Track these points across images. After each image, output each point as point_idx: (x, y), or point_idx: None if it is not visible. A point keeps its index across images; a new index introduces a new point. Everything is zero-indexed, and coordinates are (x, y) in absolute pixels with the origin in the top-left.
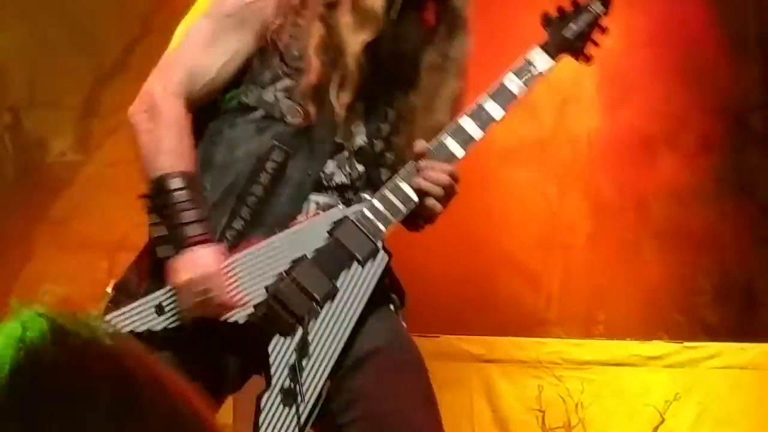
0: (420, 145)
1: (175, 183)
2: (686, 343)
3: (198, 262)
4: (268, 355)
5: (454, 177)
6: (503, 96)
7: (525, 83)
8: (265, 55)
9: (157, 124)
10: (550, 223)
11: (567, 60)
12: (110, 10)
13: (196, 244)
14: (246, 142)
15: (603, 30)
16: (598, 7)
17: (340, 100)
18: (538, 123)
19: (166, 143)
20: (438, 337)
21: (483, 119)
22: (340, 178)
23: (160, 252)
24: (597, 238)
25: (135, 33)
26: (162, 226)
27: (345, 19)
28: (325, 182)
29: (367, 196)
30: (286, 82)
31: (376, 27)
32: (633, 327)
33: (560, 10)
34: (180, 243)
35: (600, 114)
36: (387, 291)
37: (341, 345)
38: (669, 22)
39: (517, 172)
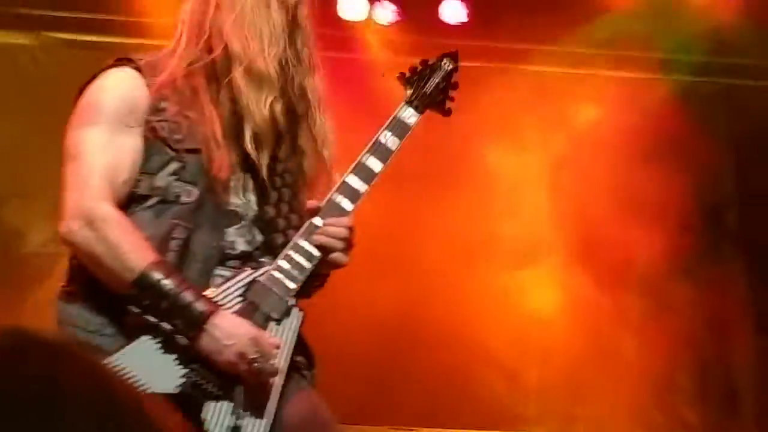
0: (312, 203)
1: (157, 274)
2: None
3: (233, 330)
4: (201, 423)
5: (350, 229)
6: (381, 151)
7: (399, 138)
8: (150, 144)
9: (105, 230)
10: (527, 317)
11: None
12: None
13: (212, 314)
14: (147, 227)
15: (455, 86)
16: (448, 65)
17: (263, 160)
18: (516, 220)
19: (125, 243)
20: (413, 430)
21: (366, 175)
22: (242, 247)
23: (181, 341)
24: (574, 332)
25: None
26: (164, 321)
27: (242, 85)
28: (229, 251)
29: (266, 261)
30: (174, 165)
31: (272, 88)
32: (612, 425)
33: (413, 69)
34: (198, 322)
35: (574, 208)
36: (300, 366)
37: (270, 418)
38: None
39: (495, 268)
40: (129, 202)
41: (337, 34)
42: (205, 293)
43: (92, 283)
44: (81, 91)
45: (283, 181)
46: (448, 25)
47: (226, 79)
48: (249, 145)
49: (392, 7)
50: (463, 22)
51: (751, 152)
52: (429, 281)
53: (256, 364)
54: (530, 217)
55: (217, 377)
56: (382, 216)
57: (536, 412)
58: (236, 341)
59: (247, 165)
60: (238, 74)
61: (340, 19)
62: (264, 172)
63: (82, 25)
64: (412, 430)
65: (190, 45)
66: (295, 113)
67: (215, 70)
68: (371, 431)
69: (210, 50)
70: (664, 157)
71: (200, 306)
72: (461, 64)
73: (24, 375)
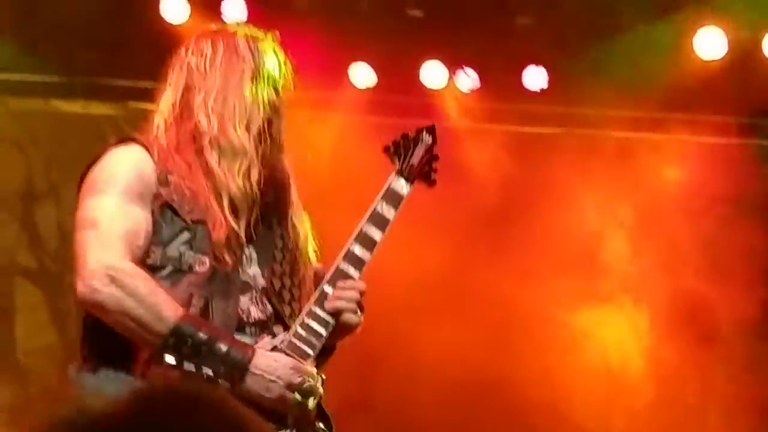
0: (318, 267)
1: (191, 325)
2: None
3: (274, 365)
4: None
5: (362, 293)
6: (380, 221)
7: (394, 208)
8: (161, 215)
9: (133, 285)
10: (612, 386)
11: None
12: None
13: (253, 355)
14: None
15: (436, 158)
16: (428, 138)
17: (241, 227)
18: (596, 282)
19: (156, 296)
20: None
21: (367, 243)
22: (257, 315)
23: (223, 385)
24: (660, 402)
25: None
26: (204, 367)
27: (212, 158)
28: (244, 318)
29: (280, 330)
30: (185, 235)
31: (244, 156)
32: None
33: (396, 143)
34: (241, 367)
35: (657, 271)
36: (322, 428)
37: None
38: None
39: (577, 334)
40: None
41: (419, 101)
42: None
43: (113, 356)
44: (88, 168)
45: (283, 255)
46: (530, 91)
47: (204, 155)
48: (227, 213)
49: (474, 75)
50: (543, 89)
51: None
52: (510, 342)
53: (305, 385)
54: (611, 279)
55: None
56: (460, 272)
57: None
58: (280, 374)
59: (251, 238)
60: (207, 148)
61: (422, 86)
62: (266, 246)
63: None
64: None
65: (170, 130)
66: (277, 185)
67: (199, 144)
68: None
69: (188, 129)
70: (746, 219)
71: (239, 351)
72: (537, 129)
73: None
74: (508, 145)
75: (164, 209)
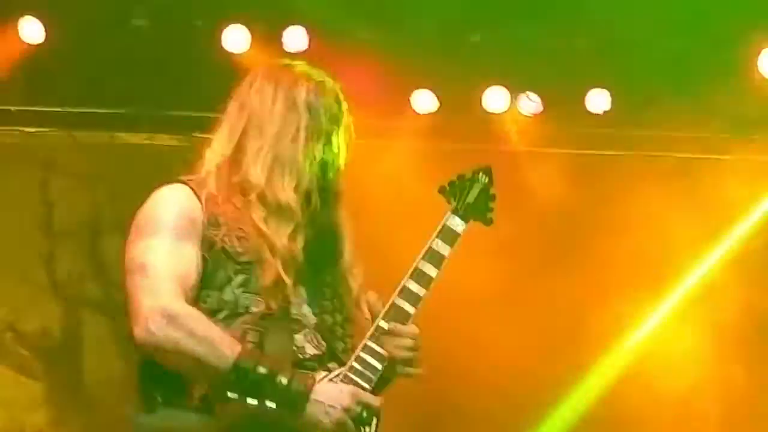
0: (372, 296)
1: (250, 360)
2: None
3: (334, 394)
4: None
5: (415, 338)
6: (435, 258)
7: (450, 245)
8: (213, 259)
9: (190, 325)
10: (682, 411)
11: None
12: None
13: (313, 385)
14: None
15: (493, 198)
16: (484, 178)
17: (287, 281)
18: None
19: (213, 334)
20: None
21: (423, 280)
22: (312, 351)
23: (287, 420)
24: (731, 425)
25: None
26: (265, 401)
27: (258, 214)
28: (299, 355)
29: (335, 367)
30: (240, 278)
31: (292, 218)
32: None
33: (452, 183)
34: (303, 397)
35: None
36: None
37: None
38: None
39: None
40: None
41: (481, 126)
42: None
43: (173, 393)
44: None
45: (333, 293)
46: (592, 114)
47: (250, 201)
48: (273, 270)
49: (537, 99)
50: (606, 111)
51: None
52: (575, 359)
53: (365, 415)
54: (678, 298)
55: None
56: (524, 291)
57: None
58: (340, 401)
59: (300, 277)
60: (256, 204)
61: (483, 111)
62: (316, 283)
63: None
64: None
65: (221, 171)
66: (324, 242)
67: (248, 196)
68: None
69: (238, 176)
70: None
71: (300, 382)
72: (600, 152)
73: None
74: (571, 168)
75: (216, 252)
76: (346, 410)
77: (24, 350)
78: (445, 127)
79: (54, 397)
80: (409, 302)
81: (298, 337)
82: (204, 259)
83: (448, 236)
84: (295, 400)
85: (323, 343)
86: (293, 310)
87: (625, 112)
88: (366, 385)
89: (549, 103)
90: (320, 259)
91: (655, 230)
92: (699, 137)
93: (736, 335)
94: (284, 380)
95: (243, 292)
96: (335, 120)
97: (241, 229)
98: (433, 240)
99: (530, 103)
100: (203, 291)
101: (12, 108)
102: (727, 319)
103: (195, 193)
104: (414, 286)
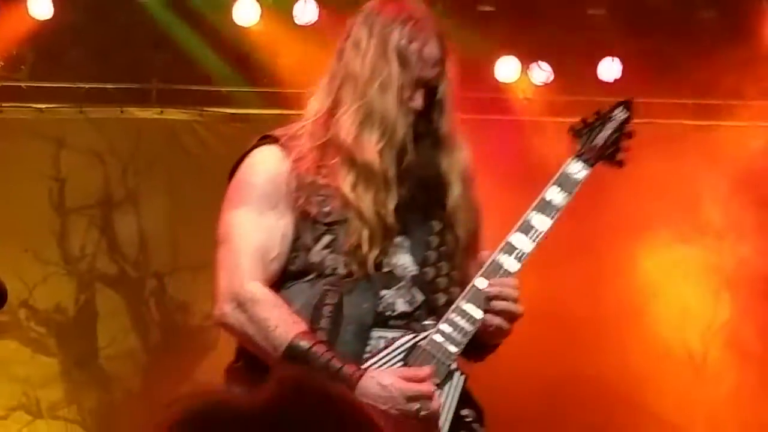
0: (484, 254)
1: (301, 344)
2: None
3: (382, 393)
4: None
5: (516, 291)
6: (548, 208)
7: (567, 193)
8: (301, 220)
9: (253, 310)
10: (694, 375)
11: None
12: None
13: (359, 380)
14: (300, 296)
15: (630, 135)
16: (622, 114)
17: (372, 246)
18: (684, 276)
19: (272, 320)
20: None
21: (532, 233)
22: (402, 307)
23: None
24: (742, 389)
25: None
26: None
27: (346, 178)
28: (388, 313)
29: (430, 324)
30: (326, 238)
31: (378, 180)
32: None
33: (585, 121)
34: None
35: (741, 260)
36: (469, 422)
37: None
38: None
39: (656, 324)
40: (286, 278)
41: (492, 96)
42: (364, 359)
43: (255, 359)
44: (233, 170)
45: (440, 239)
46: (603, 82)
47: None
48: (356, 233)
49: (548, 68)
50: (617, 79)
51: None
52: (592, 337)
53: (423, 413)
54: (698, 273)
55: None
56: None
57: None
58: (393, 404)
59: (401, 227)
60: (344, 165)
61: (495, 80)
62: (420, 233)
63: (239, 99)
64: None
65: (317, 125)
66: (430, 193)
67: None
68: None
69: (336, 135)
70: None
71: (345, 373)
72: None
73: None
74: None
75: (302, 214)
76: (403, 415)
77: (38, 327)
78: (456, 97)
79: (68, 373)
80: (512, 258)
81: (389, 293)
82: (294, 221)
83: (566, 184)
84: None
85: (419, 298)
86: (389, 263)
87: (636, 81)
88: (453, 348)
89: (559, 73)
90: (427, 207)
91: (664, 193)
92: (707, 104)
93: (751, 302)
94: (334, 366)
95: (329, 253)
96: (435, 63)
97: (328, 186)
98: (549, 188)
99: (542, 73)
100: (293, 253)
101: (22, 84)
102: (741, 286)
103: (286, 153)
104: (520, 240)
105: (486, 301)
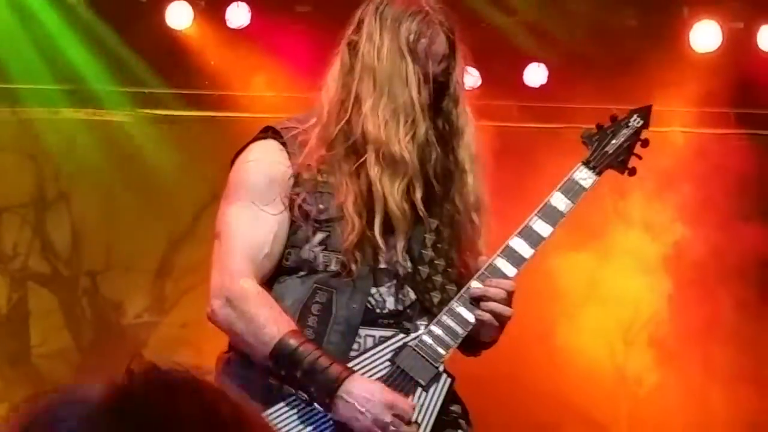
0: (483, 260)
1: (290, 343)
2: None
3: (367, 396)
4: None
5: (509, 293)
6: (551, 215)
7: (571, 200)
8: (296, 217)
9: (243, 307)
10: (616, 373)
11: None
12: (181, 179)
13: (345, 380)
14: (292, 293)
15: (644, 143)
16: (637, 122)
17: (386, 241)
18: (614, 272)
19: (261, 317)
20: None
21: (533, 239)
22: (392, 305)
23: (322, 408)
24: (663, 387)
25: (205, 199)
26: (301, 390)
27: (374, 171)
28: (377, 311)
29: (422, 323)
30: (319, 236)
31: (407, 172)
32: None
33: (599, 126)
34: (331, 389)
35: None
36: (455, 417)
37: None
38: None
39: (583, 322)
40: (279, 273)
41: None
42: (350, 358)
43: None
44: (233, 161)
45: (436, 238)
46: (530, 88)
47: (362, 159)
48: (377, 231)
49: (476, 73)
50: (543, 85)
51: None
52: (522, 338)
53: (392, 428)
54: (624, 268)
55: None
56: None
57: None
58: (371, 408)
59: (396, 225)
60: (372, 158)
61: None
62: (417, 231)
63: (172, 101)
64: None
65: (330, 121)
66: (441, 183)
67: (355, 145)
68: None
69: (350, 128)
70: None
71: (333, 372)
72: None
73: (180, 409)
74: (507, 140)
75: (300, 210)
76: (374, 421)
77: None
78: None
79: (0, 371)
80: (510, 262)
81: (381, 290)
82: (288, 218)
83: (572, 190)
84: (325, 390)
85: (411, 295)
86: (383, 259)
87: (560, 87)
88: (442, 351)
89: (486, 78)
90: (432, 205)
91: (587, 199)
92: (629, 109)
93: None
94: (321, 365)
95: (323, 250)
96: (443, 57)
97: (327, 183)
98: (553, 194)
99: (468, 78)
100: (287, 249)
101: None
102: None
103: (286, 149)
104: (519, 245)
105: (476, 301)
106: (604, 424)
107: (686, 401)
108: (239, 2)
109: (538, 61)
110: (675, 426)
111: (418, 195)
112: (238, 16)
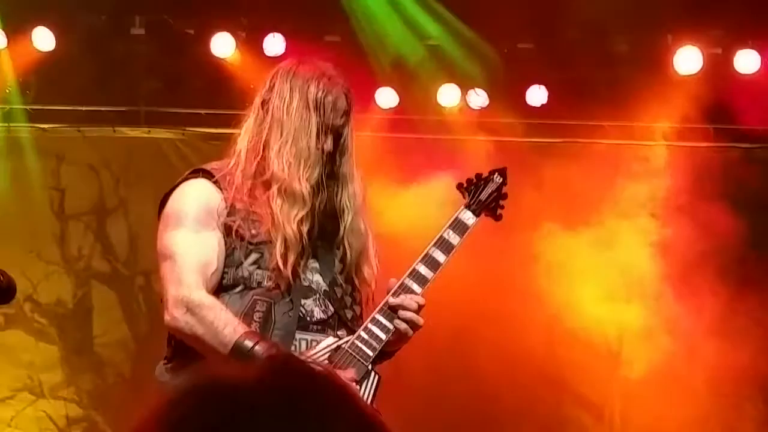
0: (392, 282)
1: (248, 342)
2: None
3: None
4: None
5: (420, 306)
6: (445, 246)
7: (459, 235)
8: (231, 241)
9: (201, 314)
10: (611, 360)
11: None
12: None
13: None
14: (232, 306)
15: (505, 196)
16: (498, 179)
17: (290, 262)
18: (594, 267)
19: (220, 321)
20: None
21: (432, 264)
22: (319, 315)
23: None
24: (653, 372)
25: None
26: None
27: (276, 202)
28: (308, 318)
29: (341, 333)
30: (253, 256)
31: (303, 206)
32: None
33: (470, 181)
34: None
35: (650, 258)
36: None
37: None
38: None
39: (580, 316)
40: (218, 291)
41: (436, 119)
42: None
43: (192, 357)
44: (164, 199)
45: (342, 266)
46: (532, 107)
47: (269, 192)
48: (278, 252)
49: (484, 94)
50: (543, 104)
51: None
52: (521, 326)
53: None
54: (607, 261)
55: None
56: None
57: None
58: None
59: (314, 252)
60: (274, 192)
61: (438, 105)
62: (327, 256)
63: (216, 120)
64: None
65: (248, 162)
66: (331, 222)
67: (268, 182)
68: None
69: (264, 168)
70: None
71: None
72: (538, 139)
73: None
74: (511, 153)
75: (233, 235)
76: None
77: (41, 318)
78: (405, 120)
79: (67, 359)
80: (417, 283)
81: (308, 302)
82: (224, 242)
83: (459, 228)
84: None
85: (331, 309)
86: (303, 279)
87: (559, 106)
88: (369, 352)
89: (494, 98)
90: (332, 237)
91: (584, 205)
92: (621, 125)
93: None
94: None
95: (256, 269)
96: (343, 113)
97: (256, 213)
98: (445, 230)
99: (477, 98)
100: (225, 269)
101: (28, 107)
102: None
103: (217, 185)
104: (423, 269)
105: (394, 310)
106: (600, 405)
107: (673, 387)
108: (275, 33)
109: (540, 83)
110: (663, 406)
111: (305, 227)
112: (275, 45)
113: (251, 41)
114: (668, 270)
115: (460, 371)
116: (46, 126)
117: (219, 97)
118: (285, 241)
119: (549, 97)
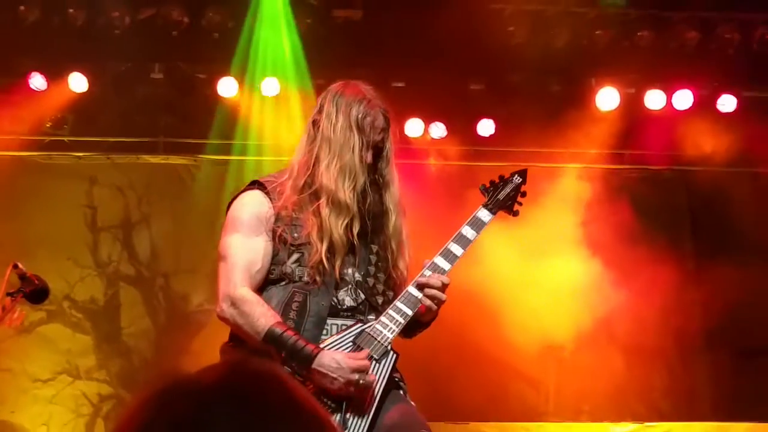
0: (424, 263)
1: (276, 331)
2: (646, 424)
3: (335, 365)
4: None
5: (444, 284)
6: (462, 241)
7: (476, 231)
8: (278, 243)
9: (242, 307)
10: (545, 343)
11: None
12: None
13: (317, 356)
14: (276, 296)
15: (523, 194)
16: (518, 179)
17: (335, 261)
18: (535, 267)
19: (256, 314)
20: (467, 423)
21: (450, 257)
22: (349, 303)
23: (299, 379)
24: (580, 352)
25: None
26: (286, 365)
27: (325, 211)
28: (339, 306)
29: (371, 317)
30: (296, 255)
31: (348, 213)
32: (608, 413)
33: (492, 182)
34: (307, 362)
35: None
36: (397, 381)
37: (370, 419)
38: None
39: (519, 305)
40: (267, 284)
41: (403, 147)
42: (323, 339)
43: (243, 340)
44: (229, 205)
45: (377, 258)
46: (481, 137)
47: (320, 202)
48: (323, 254)
49: (443, 126)
50: (491, 134)
51: None
52: (471, 312)
53: (361, 382)
54: (551, 263)
55: (327, 399)
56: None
57: (554, 408)
58: (340, 373)
59: (350, 248)
60: (323, 202)
61: (405, 136)
62: (364, 252)
63: (222, 148)
64: (467, 423)
65: (299, 175)
66: (374, 222)
67: (316, 192)
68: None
69: (312, 180)
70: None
71: (307, 351)
72: (487, 163)
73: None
74: (466, 175)
75: (280, 238)
76: (347, 382)
77: (77, 313)
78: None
79: (99, 347)
80: (435, 273)
81: (341, 293)
82: (273, 243)
83: (476, 224)
84: (303, 364)
85: (361, 296)
86: (342, 272)
87: (505, 135)
88: (389, 335)
89: (451, 130)
90: (372, 235)
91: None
92: (551, 152)
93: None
94: (299, 346)
95: (298, 266)
96: (381, 130)
97: (299, 218)
98: (464, 227)
99: (438, 130)
100: (272, 266)
101: (65, 138)
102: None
103: (268, 195)
104: (442, 261)
105: (421, 288)
106: (537, 378)
107: (597, 362)
108: (270, 78)
109: (488, 117)
110: (589, 377)
111: (355, 230)
112: (270, 87)
113: (251, 84)
114: (593, 261)
115: (423, 354)
116: (80, 154)
117: (224, 129)
118: (331, 244)
119: (496, 128)
